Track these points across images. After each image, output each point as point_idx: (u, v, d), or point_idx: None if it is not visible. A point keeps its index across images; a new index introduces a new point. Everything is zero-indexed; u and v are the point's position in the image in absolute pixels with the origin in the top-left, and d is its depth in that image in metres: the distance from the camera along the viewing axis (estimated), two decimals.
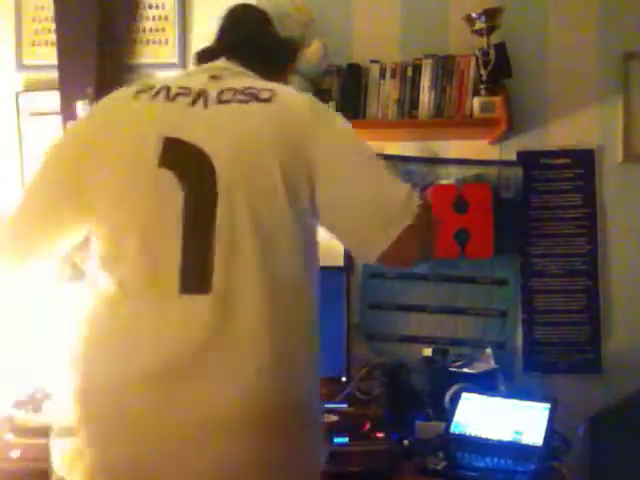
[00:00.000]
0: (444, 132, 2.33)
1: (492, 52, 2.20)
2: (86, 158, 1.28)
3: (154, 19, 2.47)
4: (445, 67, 2.30)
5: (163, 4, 2.47)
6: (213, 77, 1.33)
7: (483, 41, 2.21)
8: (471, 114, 2.26)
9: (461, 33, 2.29)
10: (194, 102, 1.27)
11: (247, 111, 1.26)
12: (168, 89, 1.30)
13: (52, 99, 2.43)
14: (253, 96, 1.28)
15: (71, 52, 2.40)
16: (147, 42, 2.47)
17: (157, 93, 1.30)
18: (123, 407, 1.17)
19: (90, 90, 2.35)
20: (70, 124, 1.53)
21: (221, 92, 1.28)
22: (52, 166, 1.35)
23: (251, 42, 1.45)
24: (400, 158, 2.38)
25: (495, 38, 2.22)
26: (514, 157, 2.35)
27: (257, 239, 1.20)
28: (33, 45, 2.51)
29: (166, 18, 2.47)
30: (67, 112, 2.38)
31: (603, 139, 2.33)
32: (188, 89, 1.29)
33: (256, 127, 1.25)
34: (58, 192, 1.32)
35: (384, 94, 2.32)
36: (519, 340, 2.34)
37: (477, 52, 2.22)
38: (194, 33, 2.47)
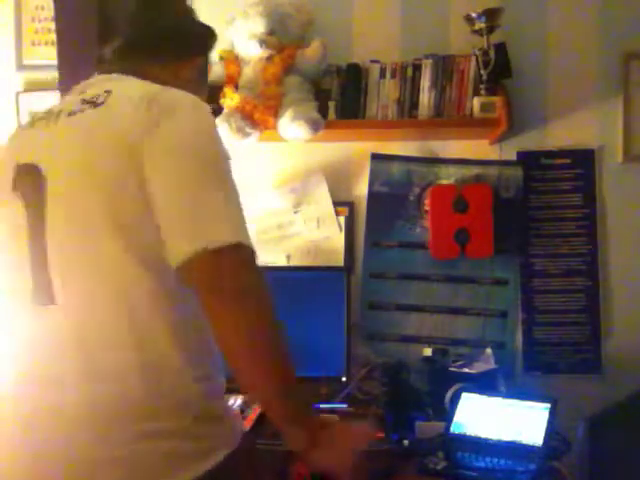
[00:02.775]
0: (444, 132, 2.33)
1: (492, 52, 2.20)
2: None
3: None
4: (445, 67, 2.30)
5: None
6: (80, 92, 1.32)
7: (483, 41, 2.21)
8: (471, 114, 2.26)
9: (461, 33, 2.29)
10: (48, 123, 1.29)
11: (80, 120, 1.24)
12: (34, 116, 1.34)
13: (52, 99, 2.43)
14: (92, 103, 1.24)
15: (71, 52, 2.40)
16: None
17: (27, 123, 1.36)
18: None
19: None
20: None
21: (72, 106, 1.27)
22: None
23: (142, 39, 1.37)
24: (400, 158, 2.39)
25: (495, 38, 2.22)
26: (514, 157, 2.35)
27: (83, 253, 1.19)
28: (33, 45, 2.51)
29: None
30: None
31: (603, 139, 2.33)
32: (50, 112, 1.32)
33: (81, 137, 1.22)
34: None
35: (384, 94, 2.32)
36: (519, 340, 2.34)
37: (477, 52, 2.22)
38: None
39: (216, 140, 1.21)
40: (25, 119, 2.49)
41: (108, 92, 1.24)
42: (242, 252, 1.13)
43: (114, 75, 1.33)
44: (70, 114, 1.26)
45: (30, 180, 1.25)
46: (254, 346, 1.12)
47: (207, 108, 1.24)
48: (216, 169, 1.18)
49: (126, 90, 1.25)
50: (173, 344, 1.18)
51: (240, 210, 1.17)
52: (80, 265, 1.19)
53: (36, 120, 1.33)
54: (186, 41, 1.41)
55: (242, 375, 1.15)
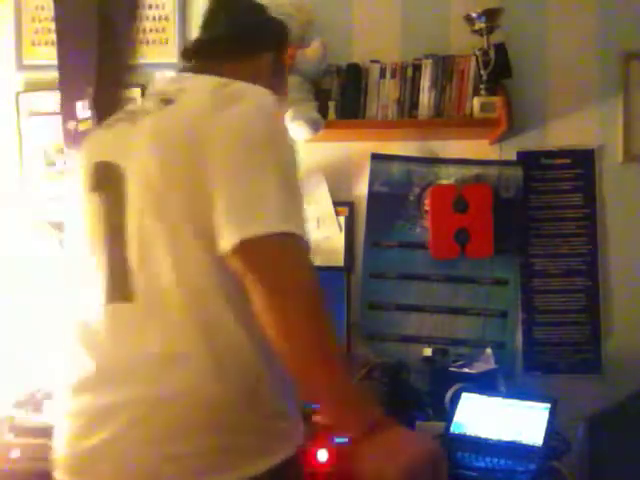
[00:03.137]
0: (444, 132, 2.33)
1: (492, 52, 2.20)
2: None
3: (154, 19, 2.47)
4: (445, 67, 2.30)
5: (163, 4, 2.47)
6: (154, 91, 1.37)
7: (483, 41, 2.21)
8: (471, 114, 2.26)
9: (461, 33, 2.29)
10: (127, 121, 1.31)
11: (154, 119, 1.27)
12: (115, 117, 1.37)
13: (52, 99, 2.43)
14: (165, 101, 1.27)
15: (71, 52, 2.40)
16: (147, 42, 2.47)
17: (106, 123, 1.38)
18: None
19: (90, 90, 2.35)
20: None
21: (151, 105, 1.30)
22: None
23: (219, 38, 1.42)
24: (400, 158, 2.38)
25: (495, 38, 2.22)
26: (514, 157, 2.35)
27: (167, 248, 1.19)
28: (33, 45, 2.51)
29: (166, 18, 2.47)
30: (67, 112, 2.38)
31: (603, 139, 2.33)
32: (129, 112, 1.35)
33: (155, 135, 1.24)
34: None
35: (384, 94, 2.32)
36: (519, 340, 2.34)
37: (477, 52, 2.22)
38: (194, 33, 2.46)
39: (278, 129, 1.23)
40: (25, 119, 2.49)
41: (180, 90, 1.28)
42: (291, 241, 1.12)
43: (189, 74, 1.37)
44: (147, 113, 1.28)
45: (109, 179, 1.27)
46: (302, 333, 1.09)
47: (273, 98, 1.24)
48: (275, 157, 1.18)
49: (197, 86, 1.28)
50: (249, 346, 1.18)
51: (295, 199, 1.16)
52: (160, 264, 1.19)
53: (116, 121, 1.35)
54: (260, 36, 1.45)
55: (291, 361, 1.12)
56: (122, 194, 1.24)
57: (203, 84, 1.28)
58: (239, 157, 1.16)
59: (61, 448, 1.28)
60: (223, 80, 1.27)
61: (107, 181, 1.27)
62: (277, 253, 1.11)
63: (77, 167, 1.37)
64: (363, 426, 1.07)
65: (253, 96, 1.23)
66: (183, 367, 1.18)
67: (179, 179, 1.19)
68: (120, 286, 1.23)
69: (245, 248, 1.10)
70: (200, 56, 1.42)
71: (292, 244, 1.12)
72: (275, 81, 1.45)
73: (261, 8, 1.50)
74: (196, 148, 1.18)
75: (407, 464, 1.02)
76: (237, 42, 1.42)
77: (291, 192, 1.16)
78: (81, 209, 1.32)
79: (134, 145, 1.26)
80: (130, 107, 1.39)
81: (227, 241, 1.11)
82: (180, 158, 1.20)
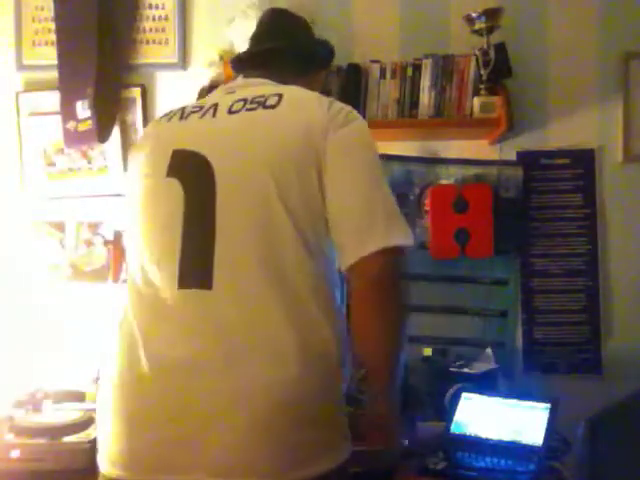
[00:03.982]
0: (444, 132, 2.33)
1: (492, 52, 2.20)
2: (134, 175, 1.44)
3: (154, 19, 2.47)
4: (445, 67, 2.29)
5: (163, 4, 2.47)
6: (228, 92, 1.42)
7: (483, 41, 2.21)
8: (471, 114, 2.25)
9: (461, 33, 2.29)
10: (203, 115, 1.36)
11: (252, 119, 1.31)
12: (184, 110, 1.42)
13: (52, 99, 2.43)
14: (260, 104, 1.32)
15: (71, 52, 2.40)
16: (147, 42, 2.47)
17: (174, 115, 1.42)
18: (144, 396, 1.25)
19: (90, 90, 2.35)
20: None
21: (232, 104, 1.35)
22: None
23: (279, 52, 1.50)
24: (400, 158, 2.38)
25: (495, 38, 2.22)
26: (514, 157, 2.35)
27: (257, 239, 1.24)
28: (33, 45, 2.51)
29: (166, 18, 2.47)
30: (67, 112, 2.38)
31: (603, 139, 2.33)
32: (201, 106, 1.40)
33: (259, 134, 1.29)
34: None
35: (384, 94, 2.32)
36: (519, 340, 2.34)
37: (477, 52, 2.22)
38: (194, 33, 2.47)
39: (377, 150, 1.38)
40: (25, 119, 2.49)
41: (278, 96, 1.33)
42: (404, 253, 1.35)
43: (264, 80, 1.43)
44: (232, 112, 1.33)
45: (193, 167, 1.30)
46: (393, 334, 1.38)
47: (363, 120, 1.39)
48: (382, 175, 1.35)
49: (297, 94, 1.37)
50: (330, 329, 1.26)
51: (400, 212, 1.37)
52: (250, 253, 1.23)
53: (188, 114, 1.39)
54: (319, 56, 1.62)
55: (369, 351, 1.33)
56: (210, 184, 1.26)
57: (301, 92, 1.37)
58: (360, 172, 1.31)
59: (126, 442, 1.24)
60: (315, 92, 1.38)
61: (190, 169, 1.30)
62: (398, 263, 1.36)
63: (146, 154, 1.39)
64: (389, 410, 1.35)
65: (356, 116, 1.38)
66: (267, 356, 1.19)
67: (287, 181, 1.25)
68: (200, 272, 1.24)
69: (378, 256, 1.29)
70: (263, 66, 1.48)
71: (405, 254, 1.36)
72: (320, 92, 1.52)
73: (310, 28, 1.63)
74: (312, 147, 1.27)
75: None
76: (301, 59, 1.53)
77: (397, 206, 1.37)
78: (153, 193, 1.34)
79: (222, 139, 1.31)
80: (199, 103, 1.43)
81: (359, 249, 1.27)
82: (294, 151, 1.27)
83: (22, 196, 2.47)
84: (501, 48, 2.22)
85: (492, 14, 2.19)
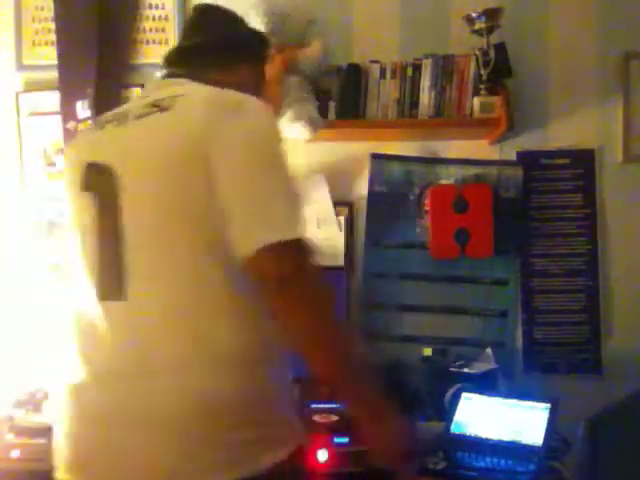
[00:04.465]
0: (444, 132, 2.33)
1: (492, 52, 2.20)
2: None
3: (154, 19, 2.47)
4: (445, 67, 2.30)
5: (163, 4, 2.47)
6: (144, 96, 1.40)
7: (483, 41, 2.21)
8: (471, 114, 2.26)
9: (461, 33, 2.29)
10: (116, 124, 1.35)
11: (148, 123, 1.29)
12: (101, 119, 1.41)
13: (52, 99, 2.43)
14: (158, 107, 1.30)
15: (71, 52, 2.40)
16: (147, 42, 2.47)
17: (93, 126, 1.44)
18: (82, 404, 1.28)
19: (90, 90, 2.35)
20: None
21: (139, 109, 1.33)
22: None
23: (199, 47, 1.46)
24: (400, 158, 2.38)
25: (495, 38, 2.22)
26: (514, 157, 2.35)
27: (159, 245, 1.24)
28: (33, 45, 2.51)
29: (166, 18, 2.47)
30: (67, 112, 2.38)
31: (603, 139, 2.33)
32: (116, 114, 1.38)
33: (151, 140, 1.28)
34: None
35: (384, 94, 2.32)
36: (519, 340, 2.34)
37: (477, 52, 2.22)
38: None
39: (278, 138, 1.29)
40: (25, 119, 2.49)
41: (176, 96, 1.30)
42: (305, 245, 1.22)
43: (178, 80, 1.39)
44: (138, 117, 1.31)
45: (102, 179, 1.29)
46: (317, 331, 1.22)
47: (268, 108, 1.31)
48: (279, 166, 1.26)
49: (192, 93, 1.31)
50: (243, 332, 1.23)
51: (299, 205, 1.26)
52: (155, 262, 1.24)
53: (104, 122, 1.38)
54: (242, 47, 1.50)
55: (308, 358, 1.24)
56: (116, 195, 1.27)
57: (199, 92, 1.32)
58: (250, 166, 1.23)
59: (66, 447, 1.29)
60: (216, 89, 1.31)
61: (99, 182, 1.30)
62: (297, 256, 1.21)
63: (67, 167, 1.42)
64: (370, 414, 1.29)
65: (252, 106, 1.29)
66: (180, 368, 1.20)
67: (180, 186, 1.23)
68: (113, 285, 1.26)
69: (271, 251, 1.18)
70: (185, 63, 1.44)
71: (306, 247, 1.23)
72: (259, 92, 1.48)
73: (242, 20, 1.55)
74: (197, 153, 1.22)
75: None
76: (223, 52, 1.46)
77: (296, 199, 1.27)
78: (73, 208, 1.36)
79: (126, 148, 1.30)
80: (119, 109, 1.41)
81: (249, 244, 1.19)
82: (178, 159, 1.23)
83: (22, 196, 2.47)
84: (501, 48, 2.22)
85: (492, 14, 2.19)
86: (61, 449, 1.30)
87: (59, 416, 1.32)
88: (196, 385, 1.19)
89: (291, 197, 1.25)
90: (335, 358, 1.24)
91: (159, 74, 1.48)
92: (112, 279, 1.26)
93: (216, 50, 1.45)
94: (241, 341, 1.23)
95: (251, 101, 1.30)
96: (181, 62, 1.44)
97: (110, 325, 1.26)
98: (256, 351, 1.25)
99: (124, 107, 1.42)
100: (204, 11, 1.52)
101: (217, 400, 1.20)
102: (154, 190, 1.24)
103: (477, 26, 2.20)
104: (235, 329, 1.23)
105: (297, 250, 1.21)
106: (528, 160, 2.35)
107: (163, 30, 2.47)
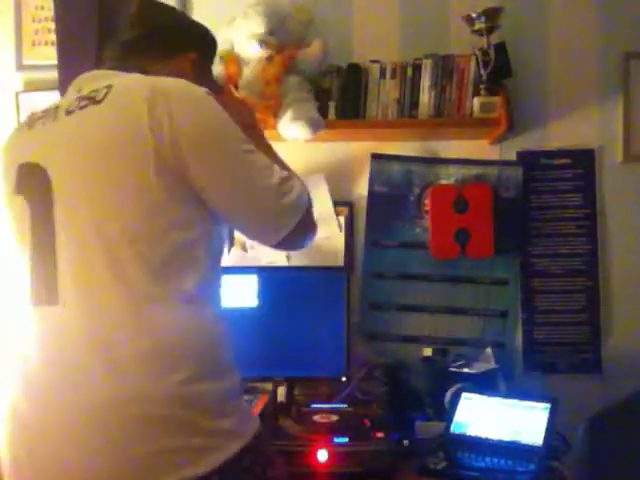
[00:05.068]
0: (444, 132, 2.33)
1: (492, 52, 2.20)
2: None
3: None
4: (445, 67, 2.30)
5: None
6: (77, 90, 1.33)
7: (483, 41, 2.21)
8: (471, 114, 2.25)
9: (461, 33, 2.29)
10: (46, 121, 1.30)
11: (81, 117, 1.25)
12: (32, 117, 1.36)
13: (52, 99, 2.42)
14: (91, 99, 1.25)
15: (71, 52, 2.40)
16: None
17: (24, 124, 1.37)
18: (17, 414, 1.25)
19: None
20: None
21: (70, 103, 1.29)
22: None
23: (134, 40, 1.43)
24: (400, 158, 2.38)
25: (495, 38, 2.22)
26: (514, 157, 2.35)
27: (101, 248, 1.20)
28: (33, 45, 2.51)
29: None
30: None
31: (603, 139, 2.33)
32: (47, 110, 1.33)
33: (86, 134, 1.23)
34: None
35: (384, 94, 2.32)
36: (519, 340, 2.34)
37: (477, 52, 2.22)
38: None
39: (233, 124, 1.28)
40: (24, 119, 2.49)
41: (108, 87, 1.25)
42: (303, 216, 1.36)
43: (109, 72, 1.35)
44: (68, 112, 1.27)
45: (34, 180, 1.26)
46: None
47: (204, 91, 1.28)
48: (250, 153, 1.29)
49: (126, 84, 1.27)
50: (181, 328, 1.21)
51: (289, 177, 1.34)
52: (90, 265, 1.20)
53: (34, 120, 1.34)
54: (179, 37, 1.47)
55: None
56: (47, 196, 1.24)
57: (131, 81, 1.28)
58: (226, 165, 1.25)
59: (11, 454, 1.26)
60: (151, 77, 1.28)
61: (31, 183, 1.27)
62: (302, 230, 1.38)
63: (1, 171, 1.36)
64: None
65: (193, 95, 1.26)
66: (121, 370, 1.17)
67: (116, 180, 1.19)
68: (46, 289, 1.23)
69: (279, 243, 1.35)
70: (121, 56, 1.41)
71: (304, 216, 1.37)
72: (197, 80, 1.41)
73: (181, 12, 1.57)
74: (138, 147, 1.18)
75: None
76: (157, 41, 1.44)
77: (280, 173, 1.32)
78: (8, 212, 1.33)
79: (58, 145, 1.26)
80: (48, 106, 1.36)
81: (267, 242, 1.36)
82: (115, 155, 1.19)
83: None
84: (501, 48, 2.23)
85: (492, 14, 2.19)
86: (10, 456, 1.26)
87: (5, 424, 1.28)
88: (134, 389, 1.16)
89: (276, 177, 1.30)
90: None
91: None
92: (45, 284, 1.23)
93: (151, 40, 1.43)
94: (180, 338, 1.20)
95: (191, 87, 1.27)
96: (117, 56, 1.42)
97: (41, 330, 1.24)
98: (198, 347, 1.22)
99: (53, 103, 1.37)
100: (141, 5, 1.49)
101: (149, 406, 1.16)
102: (89, 186, 1.21)
103: (477, 26, 2.20)
104: (171, 325, 1.20)
105: (299, 227, 1.35)
106: (528, 160, 2.35)
107: None
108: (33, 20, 2.51)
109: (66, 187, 1.23)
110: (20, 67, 2.51)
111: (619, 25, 2.32)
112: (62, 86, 2.41)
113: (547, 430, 1.81)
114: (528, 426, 1.84)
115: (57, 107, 1.31)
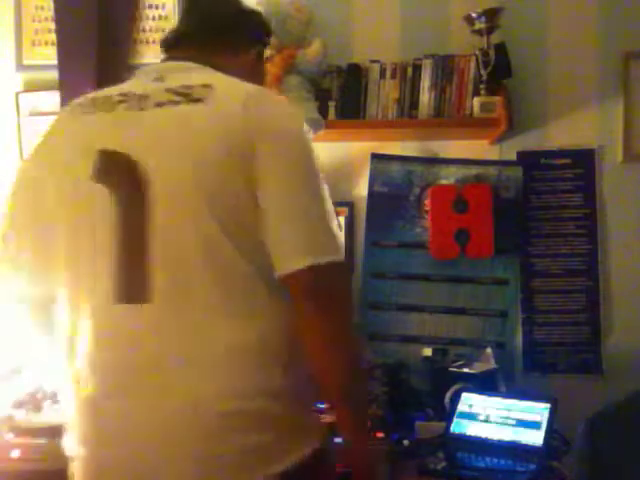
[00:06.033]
0: (444, 132, 2.33)
1: (492, 52, 2.20)
2: (39, 188, 1.27)
3: (154, 19, 2.47)
4: (445, 67, 2.30)
5: (163, 4, 2.47)
6: (157, 78, 1.27)
7: (483, 41, 2.21)
8: (471, 114, 2.26)
9: (461, 33, 2.29)
10: (131, 108, 1.23)
11: (178, 114, 1.20)
12: (108, 98, 1.27)
13: (52, 99, 2.43)
14: (185, 96, 1.21)
15: (71, 52, 2.40)
16: (147, 42, 2.47)
17: (98, 104, 1.28)
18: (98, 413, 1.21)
19: (90, 90, 2.35)
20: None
21: (160, 94, 1.23)
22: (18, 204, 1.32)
23: (207, 26, 1.37)
24: (400, 158, 2.38)
25: (495, 38, 2.22)
26: (514, 157, 2.35)
27: (201, 247, 1.17)
28: (33, 45, 2.51)
29: (166, 18, 2.47)
30: None
31: (603, 139, 2.33)
32: (129, 95, 1.25)
33: (185, 133, 1.19)
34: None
35: (384, 94, 2.32)
36: (519, 340, 2.34)
37: (477, 52, 2.22)
38: None
39: (313, 147, 1.25)
40: (25, 119, 2.48)
41: (207, 87, 1.21)
42: (342, 268, 1.24)
43: (187, 64, 1.30)
44: (159, 104, 1.21)
45: (123, 171, 1.19)
46: (338, 348, 1.22)
47: (302, 117, 1.29)
48: (320, 181, 1.24)
49: (225, 88, 1.23)
50: (280, 350, 1.21)
51: (337, 224, 1.26)
52: (187, 263, 1.16)
53: (113, 103, 1.25)
54: (247, 30, 1.43)
55: (323, 373, 1.22)
56: (140, 191, 1.17)
57: (230, 87, 1.24)
58: (294, 181, 1.20)
59: (90, 453, 1.22)
60: (251, 87, 1.25)
61: (119, 174, 1.19)
62: (334, 278, 1.21)
63: (55, 150, 1.27)
64: (362, 435, 1.31)
65: (289, 111, 1.27)
66: (217, 366, 1.16)
67: (211, 179, 1.16)
68: (137, 286, 1.17)
69: (311, 271, 1.16)
70: (187, 46, 1.35)
71: (343, 269, 1.27)
72: (258, 73, 1.43)
73: (241, 2, 1.48)
74: (238, 155, 1.17)
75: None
76: (225, 34, 1.38)
77: (335, 216, 1.26)
78: (73, 201, 1.22)
79: (154, 140, 1.20)
80: (126, 89, 1.27)
81: (291, 262, 1.17)
82: (218, 159, 1.17)
83: None
84: (501, 48, 2.23)
85: (492, 14, 2.19)
86: (88, 455, 1.23)
87: (78, 424, 1.24)
88: (226, 385, 1.17)
89: (333, 215, 1.25)
90: (344, 388, 1.23)
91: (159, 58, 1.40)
92: (136, 280, 1.17)
93: (217, 32, 1.37)
94: (274, 341, 1.21)
95: (290, 109, 1.28)
96: (182, 45, 1.36)
97: (131, 328, 1.19)
98: (285, 350, 1.23)
99: (132, 87, 1.28)
100: None
101: (252, 399, 1.17)
102: (186, 190, 1.16)
103: (477, 26, 2.21)
104: (270, 330, 1.21)
105: (339, 270, 1.22)
106: (528, 160, 2.35)
107: (163, 30, 2.47)
108: (33, 20, 2.51)
109: (166, 185, 1.17)
110: (20, 67, 2.51)
111: (619, 25, 2.32)
112: (62, 86, 2.41)
113: (547, 430, 1.81)
114: (528, 426, 1.84)
115: (142, 96, 1.23)
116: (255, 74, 1.40)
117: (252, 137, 1.17)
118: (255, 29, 1.45)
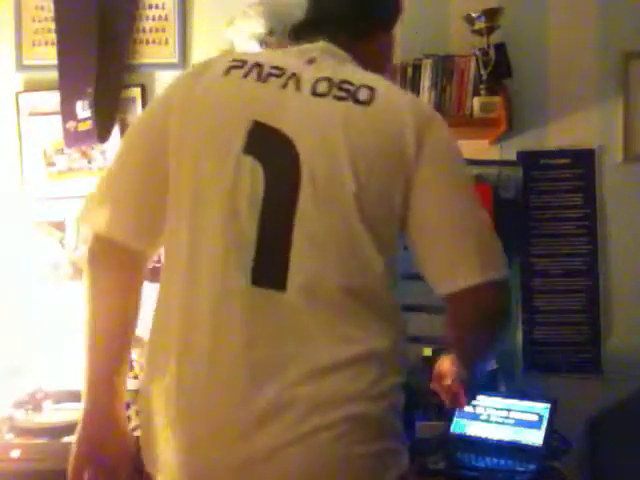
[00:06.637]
0: None
1: (492, 52, 2.20)
2: (170, 135, 1.19)
3: (154, 19, 2.47)
4: (445, 67, 2.29)
5: (163, 4, 2.47)
6: (308, 61, 1.22)
7: (483, 41, 2.21)
8: (471, 114, 2.25)
9: (461, 33, 2.29)
10: (286, 85, 1.18)
11: (344, 113, 1.16)
12: (260, 67, 1.20)
13: (52, 99, 2.43)
14: (350, 94, 1.17)
15: (71, 52, 2.40)
16: (147, 42, 2.47)
17: (249, 71, 1.19)
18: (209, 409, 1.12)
19: (90, 90, 2.35)
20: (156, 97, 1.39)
21: (316, 81, 1.18)
22: (134, 146, 1.27)
23: (336, 14, 1.31)
24: None
25: (495, 38, 2.22)
26: (514, 157, 2.35)
27: (337, 242, 1.14)
28: (33, 45, 2.51)
29: (166, 18, 2.47)
30: (67, 112, 2.38)
31: (603, 139, 2.33)
32: (281, 70, 1.19)
33: (351, 135, 1.15)
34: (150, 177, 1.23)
35: None
36: (519, 340, 2.34)
37: (477, 52, 2.22)
38: (194, 33, 2.47)
39: (463, 158, 1.28)
40: (25, 119, 2.48)
41: (369, 90, 1.18)
42: (508, 283, 1.29)
43: (338, 50, 1.26)
44: (318, 94, 1.17)
45: (277, 148, 1.14)
46: (486, 349, 1.44)
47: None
48: (474, 191, 1.26)
49: (388, 91, 1.21)
50: (389, 337, 1.28)
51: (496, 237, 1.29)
52: (329, 258, 1.13)
53: (266, 76, 1.19)
54: (383, 12, 1.40)
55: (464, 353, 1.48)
56: (294, 172, 1.12)
57: (392, 93, 1.22)
58: (452, 194, 1.22)
59: (191, 453, 1.11)
60: (409, 95, 1.28)
61: (272, 150, 1.14)
62: (503, 295, 1.29)
63: (204, 110, 1.18)
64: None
65: (442, 120, 1.27)
66: (351, 367, 1.16)
67: (376, 185, 1.15)
68: (274, 272, 1.11)
69: (484, 288, 1.22)
70: (320, 33, 1.28)
71: (508, 285, 1.30)
72: (387, 61, 1.41)
73: None
74: (398, 163, 1.16)
75: None
76: (359, 18, 1.32)
77: (490, 227, 1.27)
78: (218, 169, 1.15)
79: (311, 126, 1.15)
80: (274, 61, 1.21)
81: (465, 279, 1.22)
82: (378, 163, 1.15)
83: (22, 196, 2.47)
84: (501, 48, 2.23)
85: (492, 14, 2.19)
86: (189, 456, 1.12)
87: (181, 417, 1.12)
88: (368, 389, 1.19)
89: (489, 228, 1.25)
90: (478, 363, 1.49)
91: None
92: (273, 266, 1.11)
93: (350, 18, 1.31)
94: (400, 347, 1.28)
95: (441, 119, 1.28)
96: (320, 31, 1.29)
97: (261, 315, 1.11)
98: (398, 355, 1.31)
99: (281, 62, 1.21)
100: None
101: (374, 408, 1.21)
102: (345, 185, 1.13)
103: (477, 26, 2.21)
104: (384, 333, 1.27)
105: (505, 288, 1.27)
106: (528, 160, 2.35)
107: (163, 30, 2.47)
108: (33, 20, 2.51)
109: (319, 175, 1.13)
110: (20, 67, 2.51)
111: (619, 25, 2.32)
112: (62, 86, 2.41)
113: (547, 430, 1.81)
114: (528, 426, 1.84)
115: (296, 75, 1.18)
116: (386, 57, 1.40)
117: (413, 148, 1.17)
118: (386, 16, 1.43)
